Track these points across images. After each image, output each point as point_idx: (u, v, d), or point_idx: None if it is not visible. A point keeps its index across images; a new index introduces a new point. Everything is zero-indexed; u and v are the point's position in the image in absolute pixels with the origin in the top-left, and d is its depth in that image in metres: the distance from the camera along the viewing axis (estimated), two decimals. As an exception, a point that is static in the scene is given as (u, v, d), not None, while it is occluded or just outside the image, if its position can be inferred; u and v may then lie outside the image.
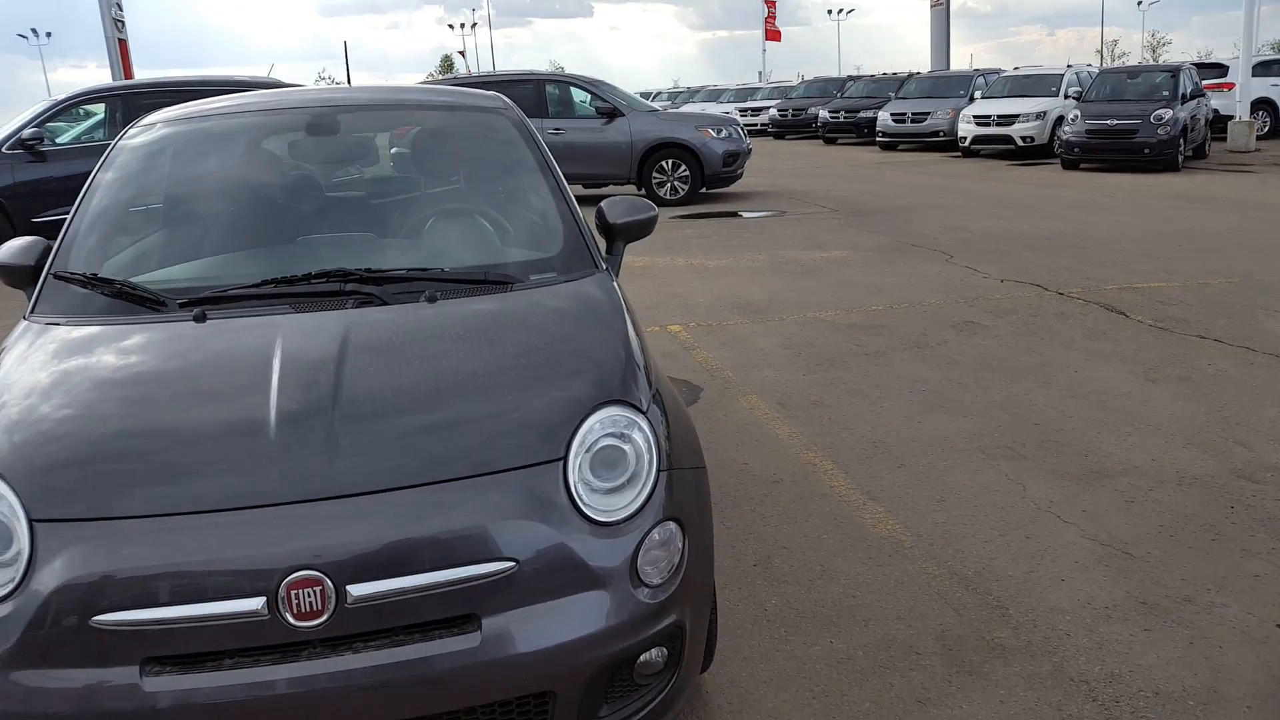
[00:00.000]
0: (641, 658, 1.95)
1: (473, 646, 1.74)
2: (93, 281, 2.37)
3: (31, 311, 2.37)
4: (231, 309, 2.30)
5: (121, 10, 20.82)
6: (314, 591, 1.69)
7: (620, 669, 1.92)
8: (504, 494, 1.85)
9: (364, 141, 3.06)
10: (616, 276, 2.90)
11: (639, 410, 2.06)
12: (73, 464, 1.84)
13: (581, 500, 1.89)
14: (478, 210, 2.87)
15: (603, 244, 2.89)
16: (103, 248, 2.56)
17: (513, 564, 1.79)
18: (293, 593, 1.68)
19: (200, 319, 2.24)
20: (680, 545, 1.98)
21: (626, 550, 1.89)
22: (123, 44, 20.75)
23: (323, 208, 2.87)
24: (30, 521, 1.73)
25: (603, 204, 2.97)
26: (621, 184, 12.68)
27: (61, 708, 1.64)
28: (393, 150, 3.09)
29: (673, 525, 1.98)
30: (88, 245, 2.55)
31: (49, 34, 61.32)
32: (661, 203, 12.31)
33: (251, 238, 2.73)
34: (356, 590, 1.70)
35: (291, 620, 1.68)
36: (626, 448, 1.99)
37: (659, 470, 2.00)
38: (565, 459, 1.92)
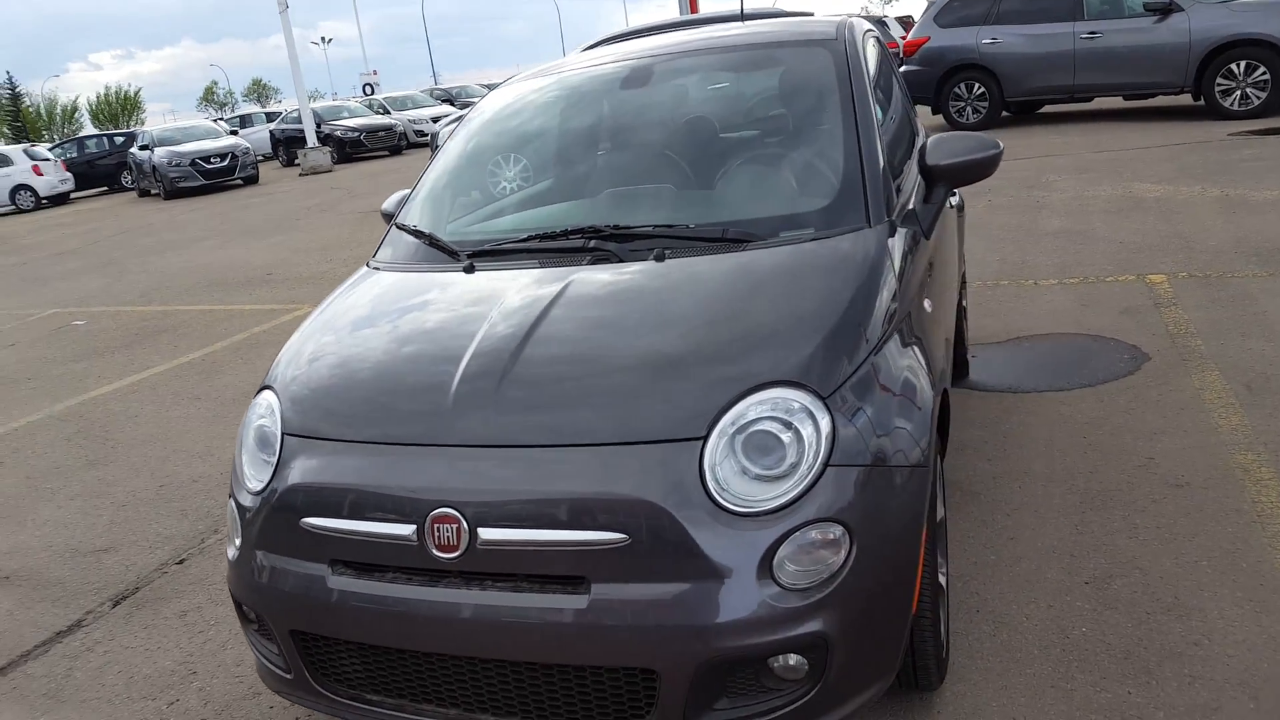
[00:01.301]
0: (775, 661, 1.79)
1: (580, 607, 1.75)
2: (410, 232, 2.75)
3: (373, 257, 2.82)
4: (497, 262, 2.50)
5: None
6: (451, 528, 1.83)
7: (743, 665, 1.78)
8: (634, 466, 1.80)
9: (678, 93, 3.03)
10: (930, 227, 2.58)
11: (817, 396, 1.84)
12: (320, 390, 2.18)
13: (715, 485, 1.76)
14: (770, 160, 2.72)
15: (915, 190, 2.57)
16: (437, 202, 2.93)
17: (625, 538, 1.74)
18: (435, 526, 1.84)
19: (469, 270, 2.48)
20: (844, 552, 1.76)
21: (759, 545, 1.73)
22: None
23: (629, 161, 2.93)
24: (283, 435, 2.12)
25: (928, 141, 2.60)
26: (1174, 93, 10.71)
27: (283, 586, 2.02)
28: (705, 96, 3.01)
29: (837, 529, 1.76)
30: (426, 198, 2.94)
31: None
32: (1227, 115, 10.18)
33: (561, 192, 2.89)
34: (485, 534, 1.81)
35: (433, 550, 1.85)
36: (786, 435, 1.80)
37: (827, 465, 1.78)
38: (705, 439, 1.80)
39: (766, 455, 1.79)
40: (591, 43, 3.71)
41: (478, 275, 2.46)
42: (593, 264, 2.36)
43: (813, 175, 2.55)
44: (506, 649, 1.82)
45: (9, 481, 4.46)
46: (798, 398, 1.83)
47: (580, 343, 2.06)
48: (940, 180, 2.60)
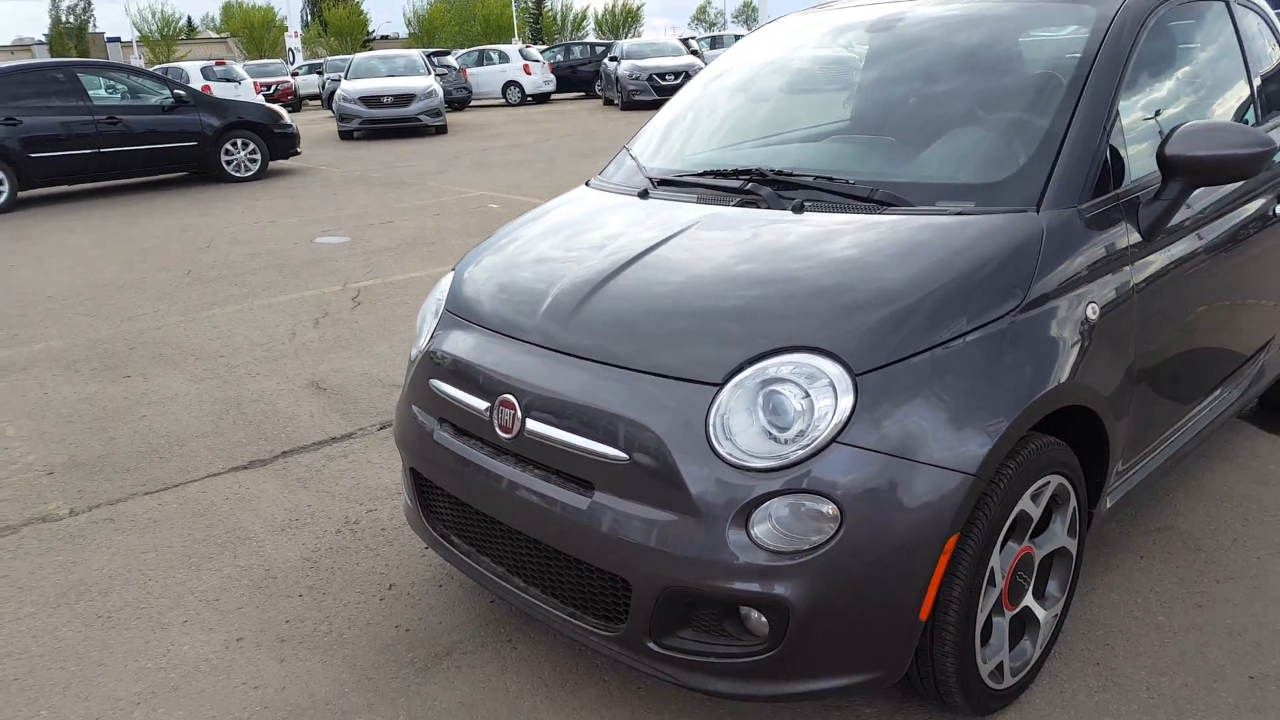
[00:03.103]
0: (749, 613, 1.82)
1: (581, 507, 1.92)
2: (631, 156, 2.94)
3: (597, 174, 3.06)
4: (670, 191, 2.62)
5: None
6: (510, 413, 2.07)
7: (708, 604, 1.84)
8: (651, 396, 1.89)
9: (917, 47, 2.82)
10: (1152, 228, 2.24)
11: (846, 370, 1.79)
12: (474, 278, 2.50)
13: (719, 432, 1.80)
14: (979, 124, 2.49)
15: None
16: (665, 132, 3.08)
17: (625, 457, 1.86)
18: (500, 408, 2.09)
19: (644, 196, 2.64)
20: (831, 531, 1.73)
21: (740, 498, 1.76)
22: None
23: (835, 110, 2.89)
24: (443, 310, 2.48)
25: (1181, 127, 2.25)
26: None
27: (412, 432, 2.39)
28: (945, 51, 2.76)
29: (828, 505, 1.73)
30: (657, 128, 3.11)
31: None
32: None
33: (762, 133, 2.94)
34: (530, 424, 2.03)
35: (497, 428, 2.10)
36: (801, 401, 1.78)
37: (835, 440, 1.74)
38: (720, 387, 1.83)
39: (778, 415, 1.79)
40: None
41: (648, 202, 2.60)
42: (740, 205, 2.40)
43: (1010, 146, 2.32)
44: (532, 527, 2.03)
45: (370, 320, 5.48)
46: (825, 367, 1.80)
47: (663, 281, 2.14)
48: (1178, 175, 2.23)
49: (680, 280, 2.13)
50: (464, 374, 2.24)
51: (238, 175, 11.93)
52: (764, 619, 1.80)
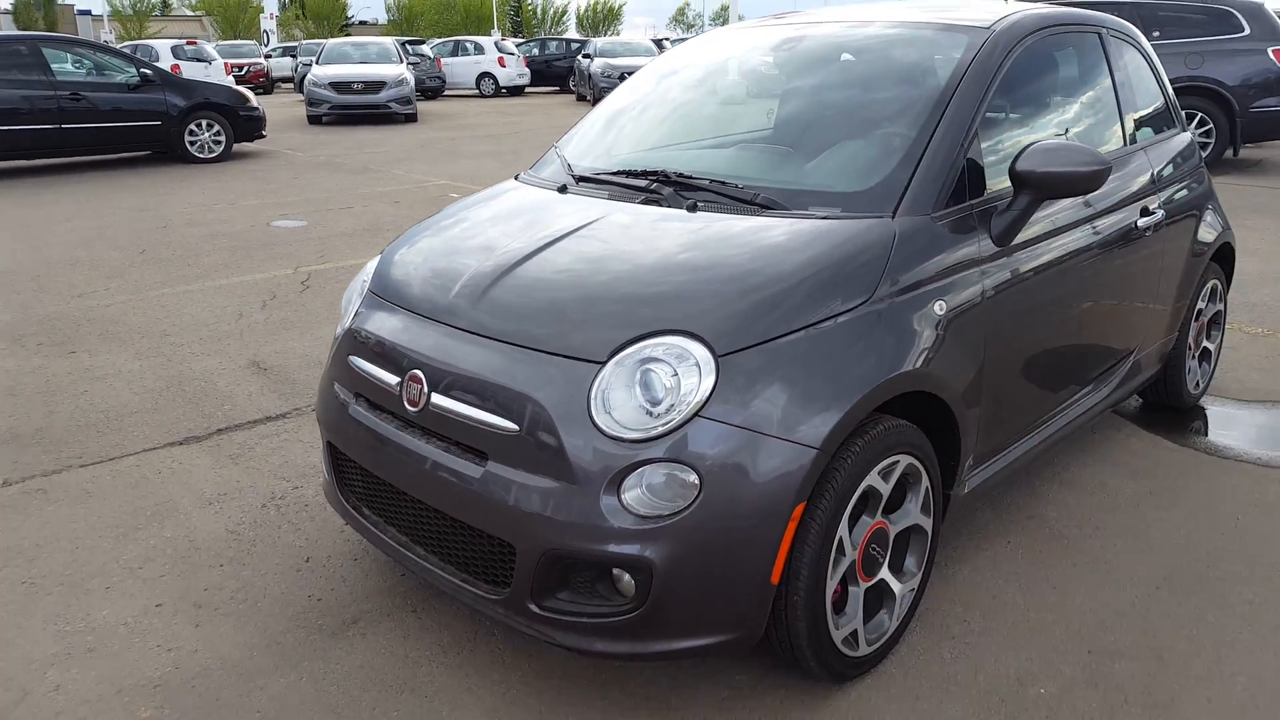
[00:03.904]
0: (614, 574, 2.00)
1: (475, 476, 2.08)
2: (557, 154, 3.12)
3: (528, 169, 3.22)
4: (587, 188, 2.80)
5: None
6: (417, 387, 2.23)
7: (584, 567, 2.01)
8: (542, 371, 2.06)
9: (808, 64, 3.06)
10: (995, 235, 2.48)
11: (710, 352, 1.98)
12: (397, 262, 2.65)
13: (600, 406, 1.97)
14: (854, 136, 2.72)
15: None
16: (591, 132, 3.26)
17: (515, 428, 2.03)
18: (409, 382, 2.25)
19: (562, 190, 2.81)
20: (691, 497, 1.91)
21: (613, 466, 1.93)
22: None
23: (735, 119, 3.14)
24: (367, 290, 2.62)
25: (1031, 145, 2.47)
26: None
27: (330, 406, 2.54)
28: (833, 69, 3.01)
29: (690, 474, 1.91)
30: (586, 128, 3.30)
31: None
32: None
33: (673, 138, 3.16)
34: (435, 397, 2.18)
35: (405, 402, 2.25)
36: (670, 379, 1.97)
37: (697, 415, 1.93)
38: (603, 364, 2.01)
39: (650, 391, 1.97)
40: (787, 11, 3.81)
41: (565, 196, 2.77)
42: (644, 203, 2.59)
43: (878, 158, 2.54)
44: (432, 496, 2.19)
45: (317, 304, 5.59)
46: (692, 348, 1.99)
47: (565, 268, 2.31)
48: (1026, 188, 2.46)
49: (577, 268, 2.30)
50: (380, 351, 2.39)
51: (201, 156, 11.95)
52: (631, 580, 1.97)
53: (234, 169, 11.43)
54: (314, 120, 17.64)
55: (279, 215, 8.40)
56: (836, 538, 2.08)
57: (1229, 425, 3.78)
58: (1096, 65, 3.28)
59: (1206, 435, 3.69)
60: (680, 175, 2.64)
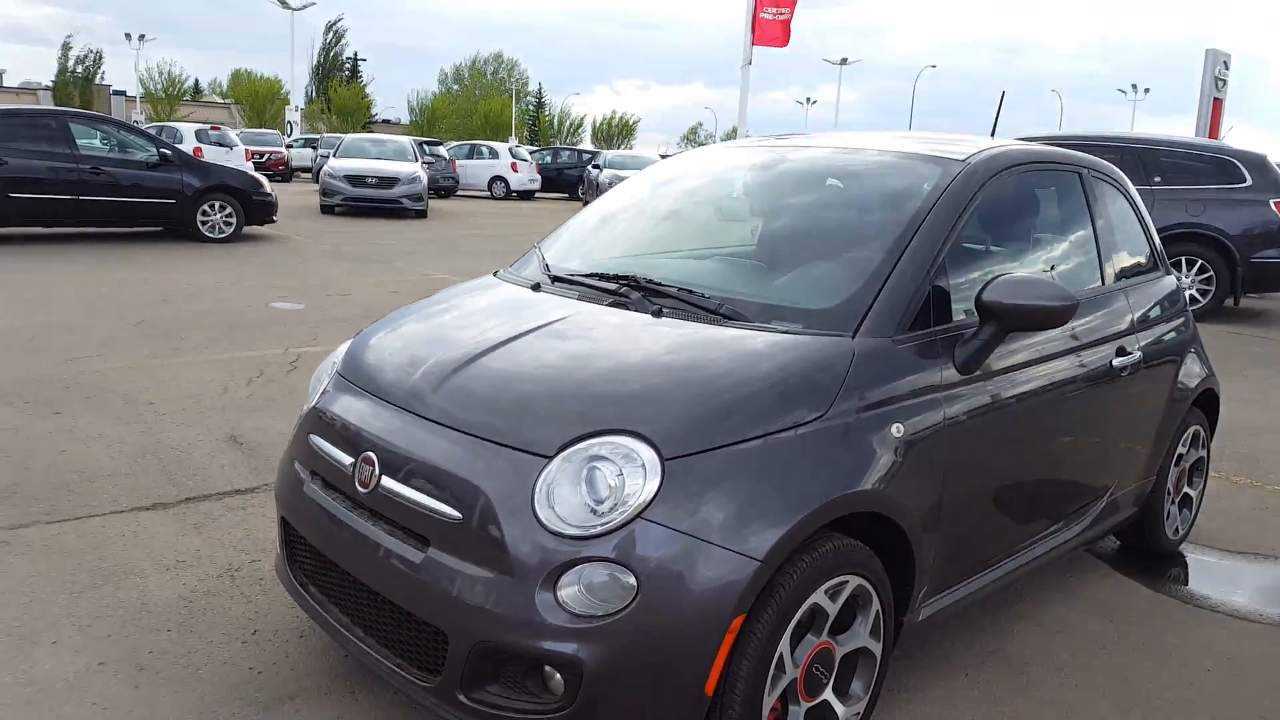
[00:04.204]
0: (546, 671, 2.02)
1: (416, 561, 2.13)
2: (537, 253, 3.26)
3: (507, 266, 3.36)
4: (560, 288, 2.91)
5: (1227, 69, 20.03)
6: (369, 469, 2.30)
7: (515, 661, 2.03)
8: (488, 462, 2.13)
9: (789, 184, 3.24)
10: (958, 363, 2.53)
11: (657, 454, 2.03)
12: (366, 347, 2.75)
13: (544, 500, 2.02)
14: (826, 257, 2.84)
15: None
16: (571, 235, 3.41)
17: (459, 516, 2.09)
18: (362, 464, 2.32)
19: (535, 289, 2.93)
20: (628, 600, 1.94)
21: (551, 562, 1.98)
22: (1217, 103, 20.03)
23: (714, 232, 3.33)
24: (336, 373, 2.72)
25: (1000, 277, 2.57)
26: None
27: (287, 481, 2.62)
28: (812, 190, 3.19)
29: (629, 577, 1.95)
30: (566, 230, 3.45)
31: (1147, 90, 65.32)
32: None
33: (649, 246, 3.31)
34: (385, 480, 2.25)
35: (356, 483, 2.33)
36: (614, 479, 2.02)
37: (639, 517, 1.98)
38: (550, 459, 2.07)
39: (594, 489, 2.02)
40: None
41: (537, 294, 2.89)
42: (611, 305, 2.69)
43: (843, 279, 2.62)
44: (373, 578, 2.24)
45: (303, 383, 5.67)
46: (638, 449, 2.04)
47: (526, 363, 2.41)
48: (991, 319, 2.54)
49: (536, 363, 2.40)
50: (339, 432, 2.47)
51: (212, 236, 12.24)
52: (561, 679, 1.99)
53: (242, 250, 11.70)
54: (327, 210, 18.10)
55: (278, 297, 8.57)
56: (777, 654, 2.09)
57: (1208, 575, 3.76)
58: (1076, 204, 3.37)
59: (1184, 583, 3.65)
60: (649, 281, 2.76)
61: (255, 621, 2.93)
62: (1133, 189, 3.80)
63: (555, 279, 2.98)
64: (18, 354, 5.96)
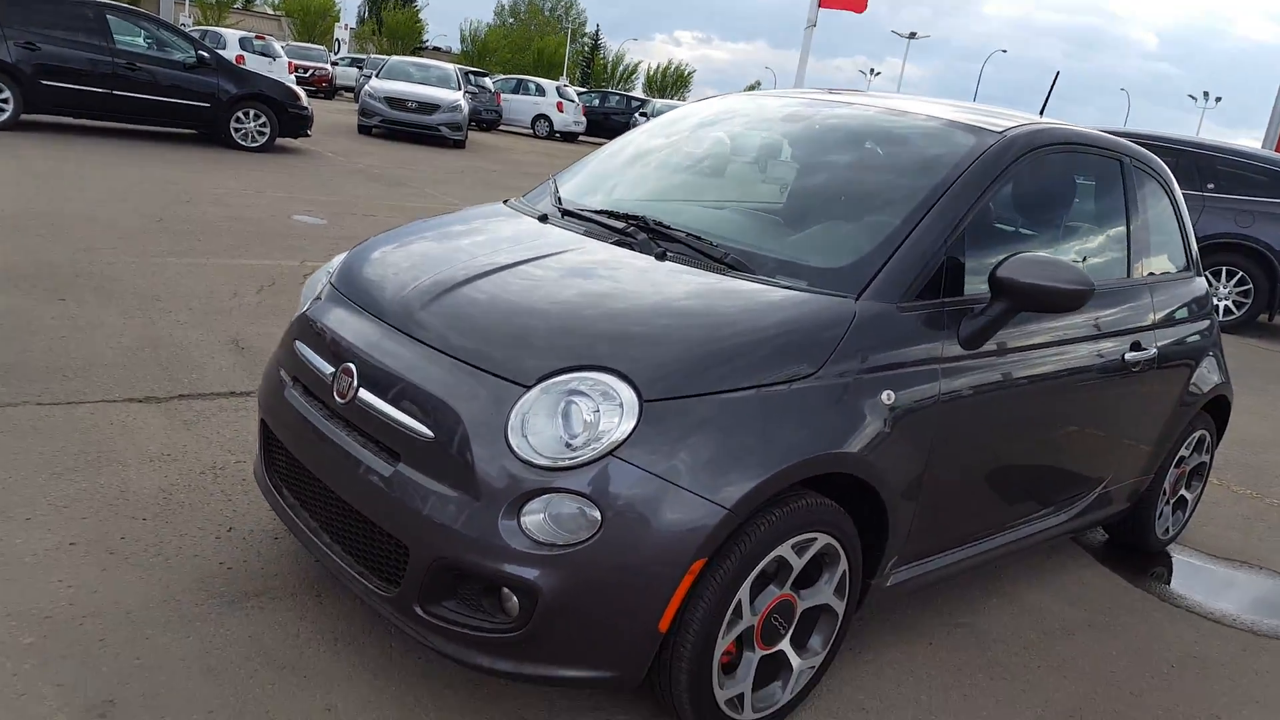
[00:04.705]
0: (503, 593, 1.99)
1: (385, 474, 2.10)
2: (552, 184, 3.19)
3: (520, 195, 3.29)
4: (567, 221, 2.84)
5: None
6: (347, 380, 2.26)
7: (473, 580, 2.01)
8: (466, 384, 2.08)
9: (822, 139, 3.11)
10: (962, 338, 2.46)
11: (636, 394, 1.99)
12: (359, 261, 2.68)
13: (518, 428, 1.98)
14: (845, 216, 2.75)
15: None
16: (587, 170, 3.34)
17: (430, 435, 2.05)
18: (341, 375, 2.28)
19: (543, 220, 2.86)
20: (590, 533, 1.91)
21: (516, 489, 1.94)
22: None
23: (735, 181, 3.21)
24: (329, 284, 2.67)
25: (1018, 255, 2.48)
26: None
27: (269, 385, 2.59)
28: (845, 147, 3.05)
29: (593, 510, 1.92)
30: (584, 165, 3.38)
31: (1219, 98, 63.84)
32: None
33: (665, 188, 3.22)
34: (361, 393, 2.21)
35: (335, 392, 2.28)
36: (590, 414, 1.97)
37: (612, 454, 1.94)
38: (528, 389, 2.02)
39: (569, 423, 1.98)
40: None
41: (543, 226, 2.82)
42: (616, 244, 2.62)
43: (857, 241, 2.54)
44: (343, 487, 2.20)
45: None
46: (618, 388, 2.00)
47: (517, 292, 2.34)
48: (1002, 296, 2.45)
49: (528, 293, 2.34)
50: (323, 341, 2.43)
51: (244, 144, 12.19)
52: (517, 601, 1.96)
53: (272, 161, 11.64)
54: (364, 130, 17.99)
55: (302, 210, 8.53)
56: (735, 600, 2.07)
57: (1190, 577, 3.71)
58: (1113, 192, 3.26)
59: (1165, 582, 3.62)
60: (659, 224, 2.68)
61: (232, 520, 2.92)
62: (1175, 186, 3.68)
63: (566, 213, 2.91)
64: (36, 239, 5.96)
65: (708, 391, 2.03)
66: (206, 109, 11.76)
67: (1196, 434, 3.75)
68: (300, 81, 22.47)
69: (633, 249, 2.59)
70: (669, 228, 2.66)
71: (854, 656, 2.71)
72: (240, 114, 12.06)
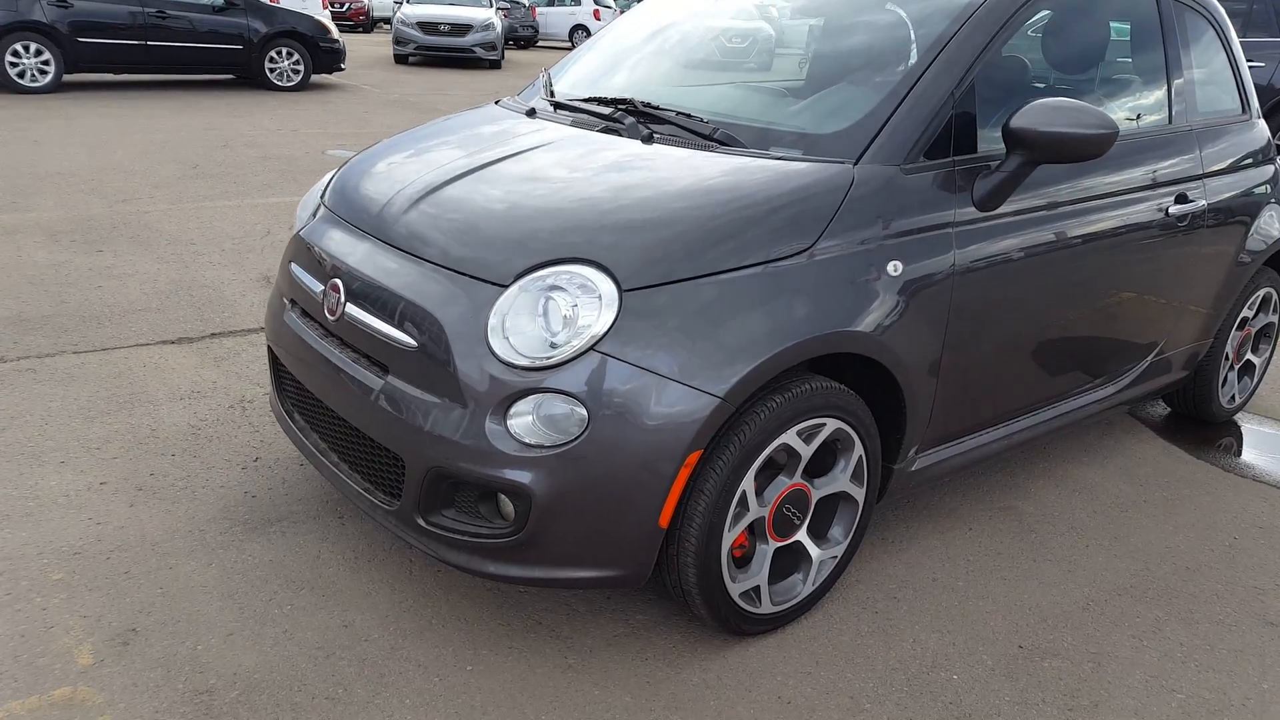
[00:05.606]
0: (500, 498, 1.96)
1: (376, 388, 2.07)
2: (544, 77, 3.06)
3: (506, 98, 3.17)
4: (556, 114, 2.73)
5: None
6: (335, 296, 2.22)
7: (468, 487, 1.99)
8: (445, 290, 2.02)
9: (818, 8, 2.92)
10: (977, 199, 2.30)
11: (615, 285, 1.90)
12: (348, 175, 2.63)
13: (499, 329, 1.92)
14: (840, 81, 2.55)
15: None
16: (579, 60, 3.19)
17: (414, 344, 2.00)
18: (329, 292, 2.24)
19: (530, 115, 2.75)
20: (578, 430, 1.86)
21: (501, 392, 1.89)
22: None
23: (728, 57, 3.02)
24: (320, 202, 2.62)
25: (1034, 102, 2.28)
26: None
27: (274, 310, 2.56)
28: (844, 15, 2.82)
29: (580, 408, 1.86)
30: (576, 58, 3.22)
31: None
32: None
33: (651, 70, 3.01)
34: (349, 308, 2.17)
35: (325, 310, 2.25)
36: (569, 309, 1.90)
37: (593, 349, 1.86)
38: (506, 288, 1.95)
39: (549, 319, 1.91)
40: None
41: (529, 120, 2.72)
42: (602, 131, 2.51)
43: (856, 101, 2.37)
44: (340, 405, 2.18)
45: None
46: (595, 279, 1.91)
47: (492, 190, 2.25)
48: (1019, 148, 2.26)
49: (502, 191, 2.25)
50: (313, 259, 2.39)
51: (280, 84, 12.17)
52: (511, 505, 1.94)
53: (307, 99, 11.62)
54: (400, 60, 17.81)
55: (335, 144, 8.51)
56: (739, 491, 2.01)
57: (1260, 445, 3.51)
58: (1149, 29, 3.00)
59: (1233, 453, 3.43)
60: (647, 105, 2.56)
61: (259, 450, 2.96)
62: (1226, 22, 3.36)
63: (557, 105, 2.80)
64: (75, 195, 6.05)
65: (692, 276, 1.94)
66: (240, 51, 11.73)
67: (1261, 292, 3.52)
68: (336, 16, 22.27)
69: (619, 134, 2.48)
70: (658, 109, 2.54)
71: (886, 546, 2.64)
72: (274, 53, 12.01)
